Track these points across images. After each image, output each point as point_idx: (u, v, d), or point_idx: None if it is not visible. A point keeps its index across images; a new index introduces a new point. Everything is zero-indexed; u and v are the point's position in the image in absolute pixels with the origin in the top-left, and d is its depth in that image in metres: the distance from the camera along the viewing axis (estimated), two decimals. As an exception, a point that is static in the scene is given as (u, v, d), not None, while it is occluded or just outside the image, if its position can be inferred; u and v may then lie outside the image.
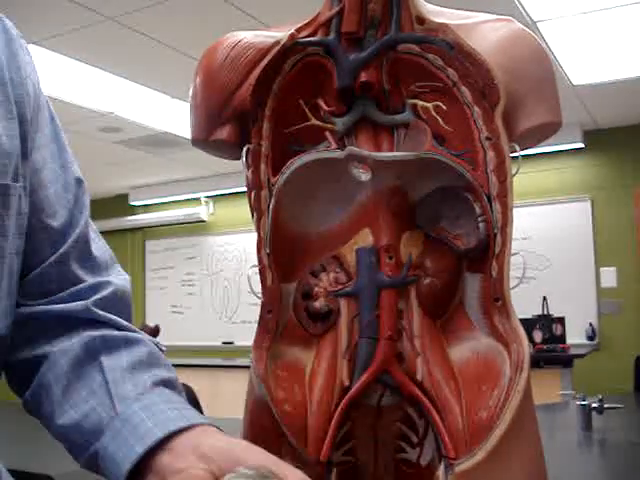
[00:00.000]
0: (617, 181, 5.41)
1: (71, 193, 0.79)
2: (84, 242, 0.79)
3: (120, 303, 0.79)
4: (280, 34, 0.71)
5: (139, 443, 0.60)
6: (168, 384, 0.69)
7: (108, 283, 0.78)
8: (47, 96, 0.81)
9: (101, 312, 0.75)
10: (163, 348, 0.77)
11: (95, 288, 0.77)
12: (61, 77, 4.20)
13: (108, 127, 5.23)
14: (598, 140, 5.46)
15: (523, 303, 5.13)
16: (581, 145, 5.42)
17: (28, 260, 0.74)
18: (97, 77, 4.24)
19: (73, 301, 0.75)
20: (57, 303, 0.75)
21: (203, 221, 7.26)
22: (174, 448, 0.59)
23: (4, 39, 0.76)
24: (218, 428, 0.63)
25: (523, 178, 5.26)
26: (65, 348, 0.71)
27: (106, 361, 0.69)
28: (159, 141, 5.62)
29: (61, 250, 0.76)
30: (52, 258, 0.75)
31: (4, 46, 0.75)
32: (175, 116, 5.00)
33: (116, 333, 0.72)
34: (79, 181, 0.81)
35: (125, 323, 0.77)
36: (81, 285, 0.77)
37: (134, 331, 0.77)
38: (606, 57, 4.05)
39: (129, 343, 0.71)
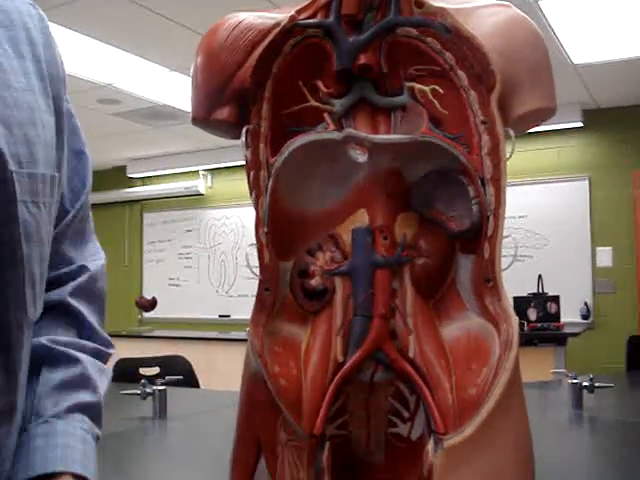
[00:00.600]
0: (615, 161, 5.41)
1: (75, 172, 0.82)
2: (80, 220, 0.82)
3: (93, 292, 0.83)
4: (280, 16, 0.72)
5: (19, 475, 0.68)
6: (85, 409, 0.75)
7: (85, 269, 0.83)
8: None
9: (74, 304, 0.80)
10: (110, 351, 0.84)
11: (74, 274, 0.82)
12: (59, 48, 4.18)
13: (106, 99, 5.20)
14: (597, 120, 5.45)
15: (519, 281, 5.12)
16: (580, 124, 5.41)
17: None
18: (96, 49, 4.21)
19: (56, 288, 0.80)
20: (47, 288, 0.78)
21: (201, 194, 7.25)
22: None
23: (40, 28, 0.75)
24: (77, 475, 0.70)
25: (521, 156, 5.26)
26: None
27: (44, 374, 0.75)
28: (158, 113, 5.60)
29: (57, 229, 0.78)
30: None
31: (41, 36, 0.75)
32: (174, 89, 4.97)
33: (61, 349, 0.77)
34: (82, 157, 0.83)
35: (88, 321, 0.82)
36: (66, 269, 0.81)
37: (91, 330, 0.82)
38: (607, 36, 4.04)
39: (69, 361, 0.77)
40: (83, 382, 0.76)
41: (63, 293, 0.79)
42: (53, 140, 0.73)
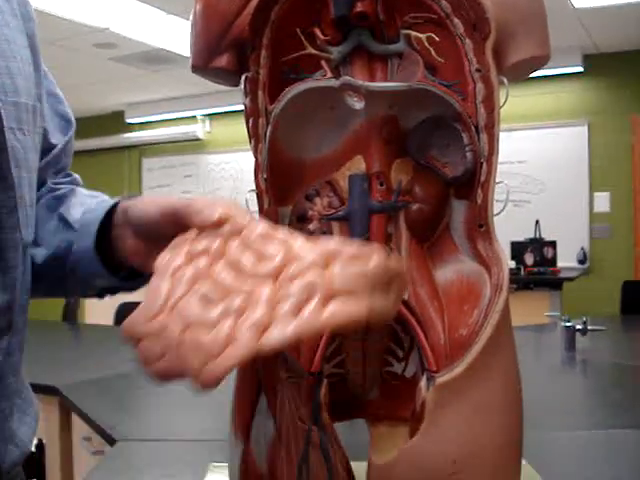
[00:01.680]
0: (615, 106, 5.38)
1: (54, 110, 0.86)
2: (67, 155, 0.88)
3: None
4: (279, -37, 0.72)
5: (98, 217, 0.74)
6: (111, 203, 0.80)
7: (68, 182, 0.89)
8: (40, 11, 0.85)
9: (63, 183, 0.87)
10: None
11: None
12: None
13: (103, 43, 5.15)
14: (598, 64, 5.40)
15: (516, 226, 5.13)
16: (580, 69, 5.37)
17: None
18: (92, -9, 4.16)
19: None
20: None
21: (199, 139, 7.23)
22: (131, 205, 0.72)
23: None
24: None
25: (521, 101, 5.23)
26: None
27: (61, 209, 0.80)
28: (155, 57, 5.54)
29: (44, 162, 0.82)
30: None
31: None
32: (171, 32, 4.92)
33: (64, 189, 0.83)
34: (57, 96, 0.88)
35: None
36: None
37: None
38: (610, -21, 3.99)
39: (73, 191, 0.84)
40: (97, 194, 0.83)
41: (47, 184, 0.85)
42: (32, 75, 0.76)
